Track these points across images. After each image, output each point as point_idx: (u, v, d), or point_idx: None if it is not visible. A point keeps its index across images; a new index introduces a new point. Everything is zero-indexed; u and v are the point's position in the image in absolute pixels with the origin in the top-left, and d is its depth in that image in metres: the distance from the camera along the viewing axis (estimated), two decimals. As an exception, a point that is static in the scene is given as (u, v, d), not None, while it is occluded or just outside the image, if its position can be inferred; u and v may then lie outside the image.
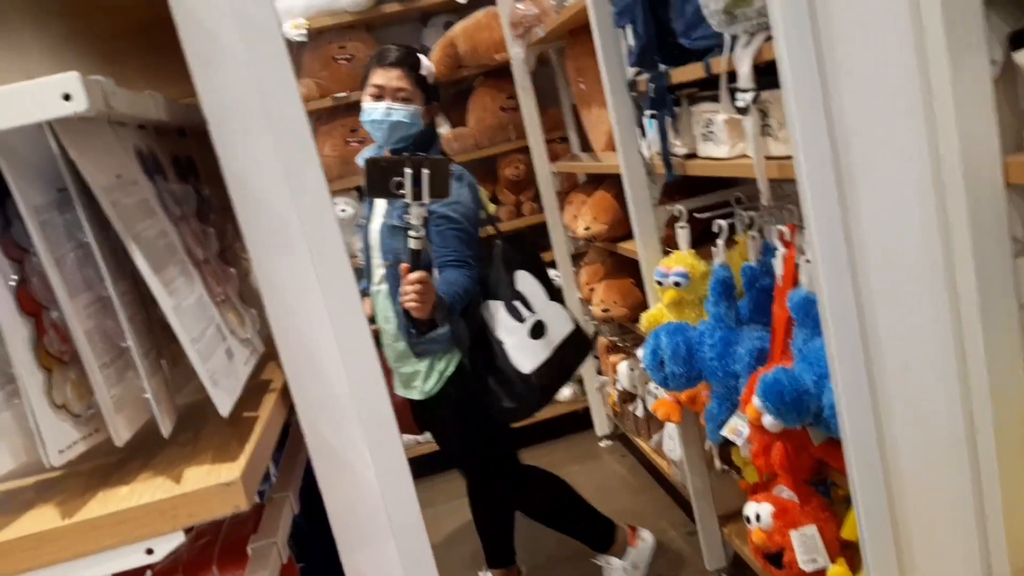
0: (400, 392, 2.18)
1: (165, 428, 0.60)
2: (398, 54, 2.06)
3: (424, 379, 2.09)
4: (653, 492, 2.88)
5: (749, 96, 1.38)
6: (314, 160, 0.78)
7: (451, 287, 1.93)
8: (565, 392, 3.26)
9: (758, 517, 1.56)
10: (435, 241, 1.97)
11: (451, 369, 2.07)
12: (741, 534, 2.01)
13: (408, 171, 1.72)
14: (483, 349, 2.02)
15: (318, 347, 0.78)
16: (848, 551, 1.49)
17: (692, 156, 1.79)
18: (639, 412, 2.70)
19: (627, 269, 2.64)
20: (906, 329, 1.11)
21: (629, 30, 1.81)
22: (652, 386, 2.33)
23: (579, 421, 3.40)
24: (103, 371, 0.58)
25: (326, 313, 0.78)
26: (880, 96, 1.04)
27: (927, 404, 1.12)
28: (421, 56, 2.11)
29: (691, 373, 1.71)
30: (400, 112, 2.02)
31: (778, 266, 1.51)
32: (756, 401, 1.41)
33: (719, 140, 1.66)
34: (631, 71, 1.92)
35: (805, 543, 1.51)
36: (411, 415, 2.24)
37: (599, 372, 3.21)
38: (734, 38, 1.38)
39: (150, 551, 0.56)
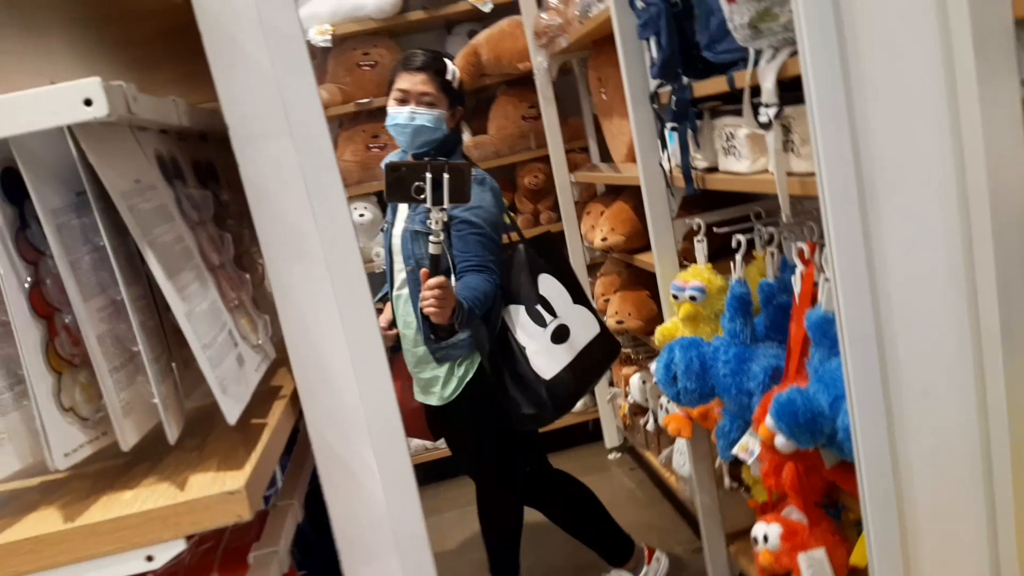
0: (419, 398, 2.17)
1: (172, 435, 0.60)
2: (424, 58, 2.05)
3: (443, 385, 2.08)
4: (660, 507, 2.86)
5: (772, 111, 1.37)
6: (333, 168, 0.78)
7: (471, 292, 1.91)
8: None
9: (766, 538, 1.54)
10: (456, 246, 1.96)
11: (471, 375, 2.05)
12: (748, 553, 1.98)
13: (429, 175, 1.72)
14: (504, 354, 2.00)
15: (330, 355, 0.78)
16: (858, 576, 1.47)
17: (713, 170, 1.77)
18: (650, 426, 2.68)
19: (643, 281, 2.63)
20: (926, 355, 1.09)
21: (653, 42, 1.80)
22: (664, 400, 2.32)
23: (589, 432, 3.38)
24: (113, 375, 0.58)
25: (339, 321, 0.78)
26: (907, 116, 1.02)
27: (944, 433, 1.10)
28: (447, 60, 2.10)
29: (704, 389, 1.69)
30: (424, 116, 2.02)
31: (796, 284, 1.50)
32: (769, 421, 1.39)
33: (740, 154, 1.64)
34: (654, 83, 1.91)
35: (813, 566, 1.48)
36: (425, 421, 2.23)
37: (611, 383, 3.20)
38: (758, 52, 1.37)
39: (150, 558, 0.55)
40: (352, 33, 3.08)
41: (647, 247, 2.14)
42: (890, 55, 1.01)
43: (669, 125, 1.82)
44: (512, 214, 3.23)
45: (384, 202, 3.12)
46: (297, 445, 0.94)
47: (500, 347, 2.01)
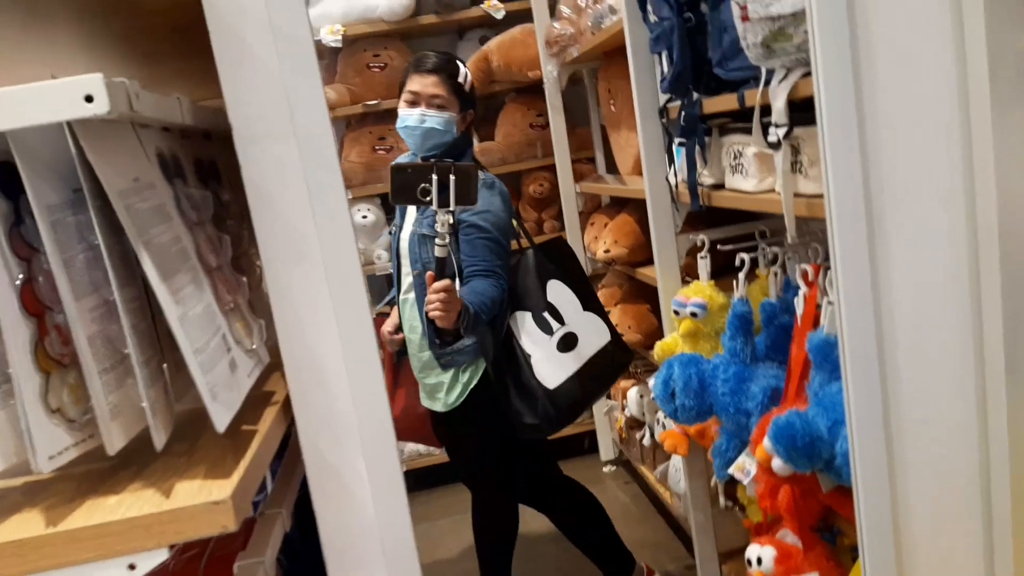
0: (425, 403, 2.15)
1: (159, 441, 0.59)
2: (436, 61, 2.04)
3: (448, 390, 2.05)
4: (654, 522, 2.84)
5: (782, 131, 1.36)
6: (335, 172, 0.77)
7: (478, 297, 1.89)
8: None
9: (759, 560, 1.52)
10: (464, 250, 1.94)
11: (475, 381, 2.03)
12: (741, 573, 1.97)
13: (435, 177, 1.71)
14: (508, 362, 1.98)
15: (324, 361, 0.77)
16: (851, 603, 1.45)
17: (719, 187, 1.76)
18: (646, 440, 2.66)
19: (644, 295, 2.61)
20: (929, 384, 1.08)
21: (664, 56, 1.79)
22: (660, 415, 2.30)
23: (584, 444, 3.37)
24: (102, 376, 0.57)
25: (335, 327, 0.77)
26: (919, 143, 1.01)
27: (944, 462, 1.09)
28: (460, 63, 2.08)
29: (702, 407, 1.68)
30: (434, 119, 2.00)
31: (799, 305, 1.48)
32: (767, 443, 1.37)
33: (748, 173, 1.63)
34: (663, 97, 1.90)
35: (807, 591, 1.47)
36: (431, 427, 2.21)
37: (608, 396, 3.18)
38: (770, 72, 1.36)
39: (132, 567, 0.54)
40: (363, 34, 3.07)
41: (649, 261, 2.13)
42: (904, 80, 1.00)
43: (677, 140, 1.81)
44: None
45: (389, 204, 3.13)
46: (289, 451, 0.93)
47: (505, 354, 1.98)
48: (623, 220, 2.54)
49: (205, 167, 0.86)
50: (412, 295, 2.05)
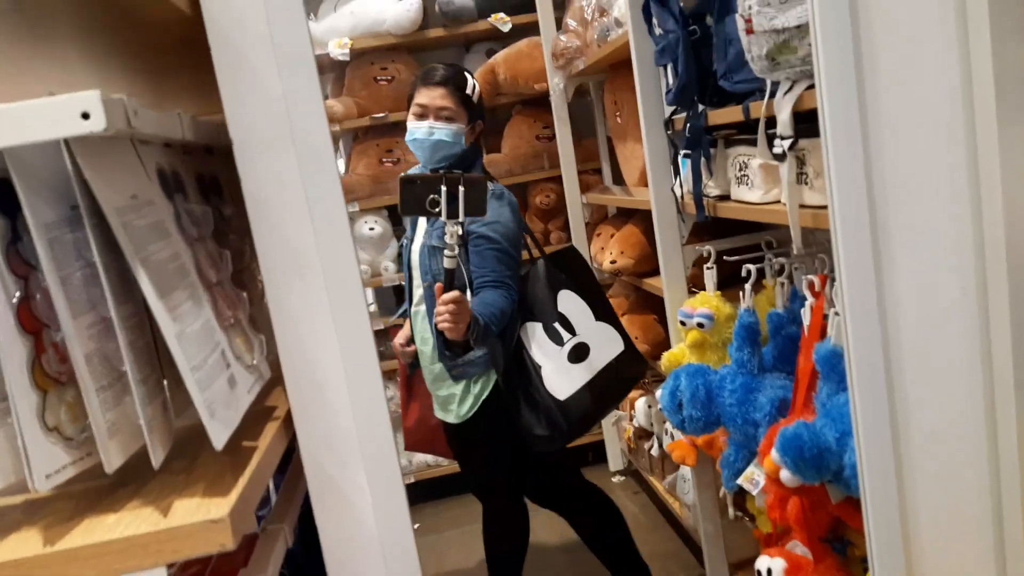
0: (438, 415, 2.14)
1: (156, 459, 0.58)
2: (444, 73, 2.03)
3: (459, 402, 2.04)
4: (663, 532, 2.82)
5: (787, 143, 1.35)
6: (336, 188, 0.77)
7: (488, 308, 1.87)
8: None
9: (769, 572, 1.50)
10: (473, 261, 1.93)
11: (487, 393, 2.02)
12: (752, 586, 1.95)
13: (444, 188, 1.71)
14: (518, 373, 1.96)
15: (325, 377, 0.77)
16: (862, 617, 1.43)
17: (724, 198, 1.76)
18: (654, 451, 2.65)
19: (651, 305, 2.60)
20: (936, 394, 1.07)
21: (669, 68, 1.80)
22: (669, 425, 2.29)
23: (593, 454, 3.35)
24: (100, 394, 0.57)
25: (336, 342, 0.77)
26: (923, 154, 1.01)
27: (953, 474, 1.08)
28: (467, 74, 2.08)
29: (709, 418, 1.67)
30: (442, 131, 2.00)
31: (806, 316, 1.48)
32: (774, 455, 1.36)
33: (753, 184, 1.63)
34: (669, 109, 1.90)
35: (817, 605, 1.45)
36: (445, 439, 2.20)
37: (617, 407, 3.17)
38: (775, 84, 1.36)
39: (130, 585, 0.54)
40: (371, 48, 3.09)
41: (656, 271, 2.12)
42: (909, 92, 1.00)
43: (683, 152, 1.81)
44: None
45: (396, 216, 3.13)
46: (292, 465, 0.92)
47: (515, 366, 1.96)
48: (629, 231, 2.54)
49: (207, 182, 0.87)
50: (423, 307, 2.05)
